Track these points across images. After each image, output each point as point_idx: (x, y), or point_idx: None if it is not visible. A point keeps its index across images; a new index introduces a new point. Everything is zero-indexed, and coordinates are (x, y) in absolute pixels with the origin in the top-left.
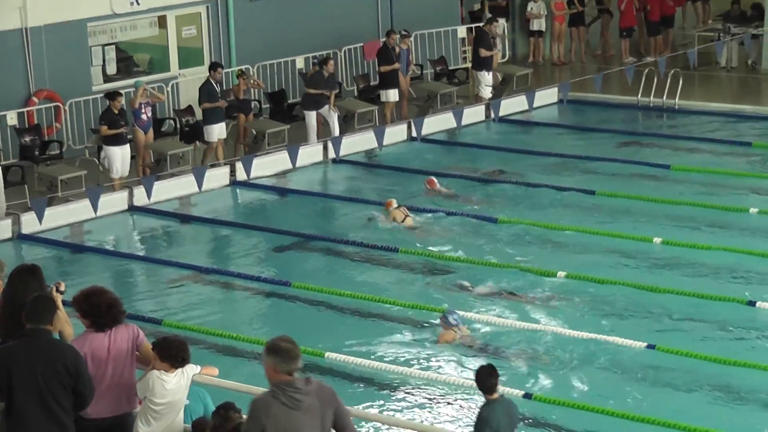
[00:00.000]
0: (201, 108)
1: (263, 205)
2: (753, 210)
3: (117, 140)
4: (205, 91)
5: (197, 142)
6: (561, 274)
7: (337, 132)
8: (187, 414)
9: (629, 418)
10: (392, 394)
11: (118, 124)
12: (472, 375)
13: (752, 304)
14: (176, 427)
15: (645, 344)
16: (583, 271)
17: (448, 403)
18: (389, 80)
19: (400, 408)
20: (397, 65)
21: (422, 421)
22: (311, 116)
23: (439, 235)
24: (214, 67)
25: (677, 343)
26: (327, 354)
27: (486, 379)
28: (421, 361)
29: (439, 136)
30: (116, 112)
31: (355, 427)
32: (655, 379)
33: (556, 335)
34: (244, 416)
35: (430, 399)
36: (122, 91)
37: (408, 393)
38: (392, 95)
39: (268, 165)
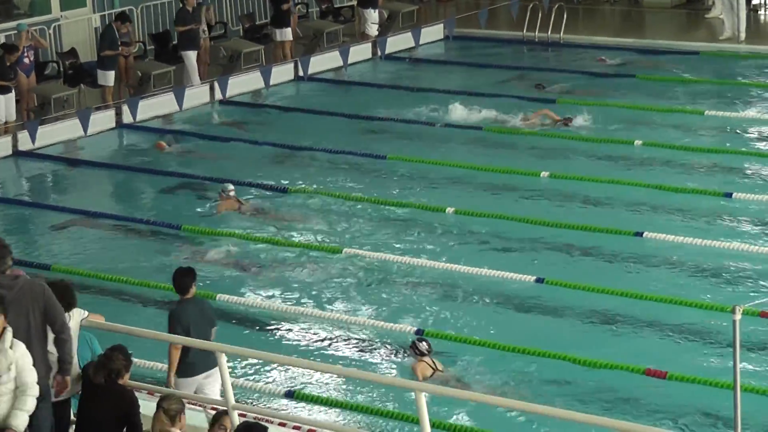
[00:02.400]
0: (100, 54)
1: (151, 147)
2: (638, 142)
3: (1, 90)
4: (108, 38)
5: (81, 85)
6: (450, 210)
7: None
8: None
9: (521, 352)
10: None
11: (7, 77)
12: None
13: (639, 235)
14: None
15: (534, 278)
16: (471, 206)
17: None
18: (282, 19)
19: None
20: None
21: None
22: (189, 56)
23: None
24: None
25: (566, 275)
26: (218, 295)
27: (181, 279)
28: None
29: (326, 75)
30: (8, 64)
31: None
32: (545, 312)
33: (447, 270)
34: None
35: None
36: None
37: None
38: (287, 34)
39: (154, 107)
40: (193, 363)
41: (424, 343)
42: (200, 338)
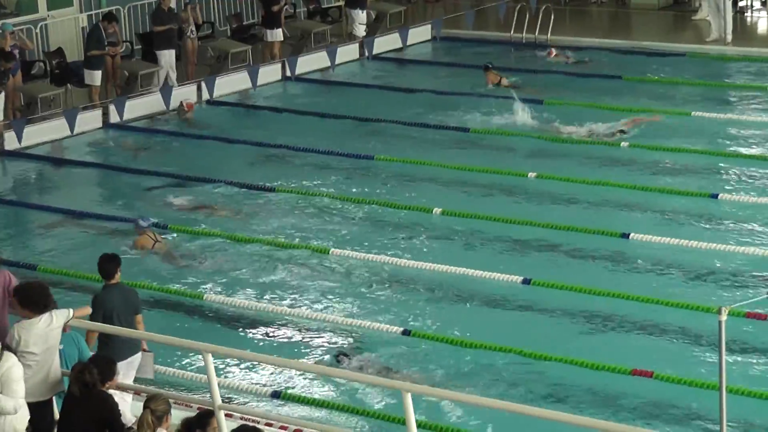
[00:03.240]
0: (87, 54)
1: (137, 147)
2: (624, 144)
3: None
4: (94, 38)
5: (68, 85)
6: (437, 210)
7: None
8: (63, 359)
9: (508, 352)
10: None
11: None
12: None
13: (626, 236)
14: (54, 374)
15: (521, 278)
16: (458, 207)
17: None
18: (273, 20)
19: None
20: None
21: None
22: (164, 55)
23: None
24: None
25: (553, 276)
26: (206, 296)
27: (105, 265)
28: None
29: (313, 75)
30: (2, 70)
31: None
32: (532, 313)
33: (434, 271)
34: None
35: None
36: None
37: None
38: (278, 35)
39: (141, 107)
40: (115, 348)
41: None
42: (123, 325)
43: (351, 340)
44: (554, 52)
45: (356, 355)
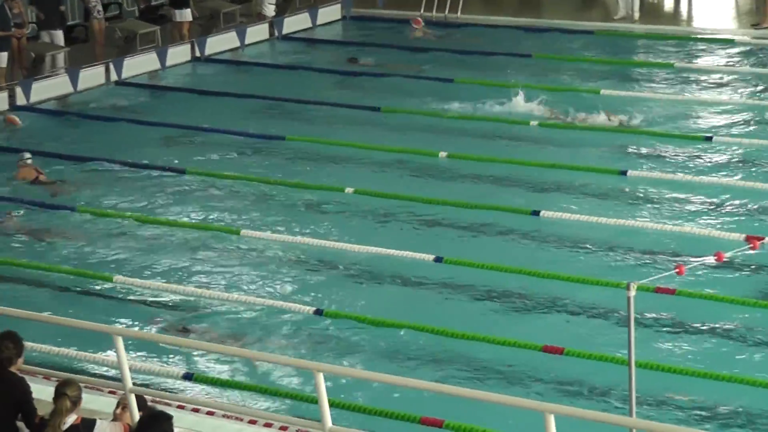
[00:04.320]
0: None
1: (45, 129)
2: (534, 123)
3: None
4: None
5: None
6: (349, 189)
7: None
8: None
9: (420, 330)
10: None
11: None
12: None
13: (536, 213)
14: None
15: (433, 257)
16: (370, 186)
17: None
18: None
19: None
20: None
21: None
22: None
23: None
24: None
25: (464, 254)
26: (116, 276)
27: None
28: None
29: (223, 55)
30: None
31: None
32: (444, 291)
33: (346, 251)
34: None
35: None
36: None
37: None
38: (187, 14)
39: (48, 88)
40: None
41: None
42: None
43: (263, 320)
44: (421, 23)
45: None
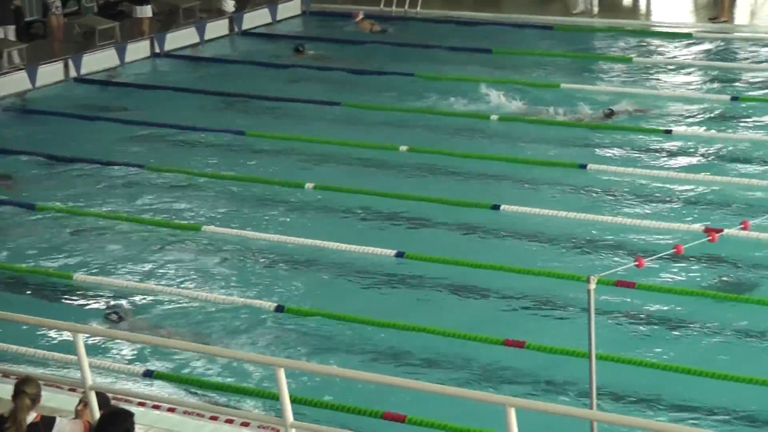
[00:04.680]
0: None
1: (2, 125)
2: (494, 117)
3: None
4: None
5: None
6: (309, 185)
7: None
8: None
9: (381, 325)
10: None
11: None
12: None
13: (496, 208)
14: None
15: (394, 252)
16: (331, 182)
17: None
18: None
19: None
20: None
21: None
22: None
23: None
24: None
25: (426, 249)
26: (75, 275)
27: None
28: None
29: (183, 51)
30: None
31: None
32: (405, 286)
33: (307, 246)
34: None
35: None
36: None
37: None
38: (147, 11)
39: (6, 85)
40: None
41: (114, 314)
42: None
43: (224, 316)
44: (359, 16)
45: (229, 336)
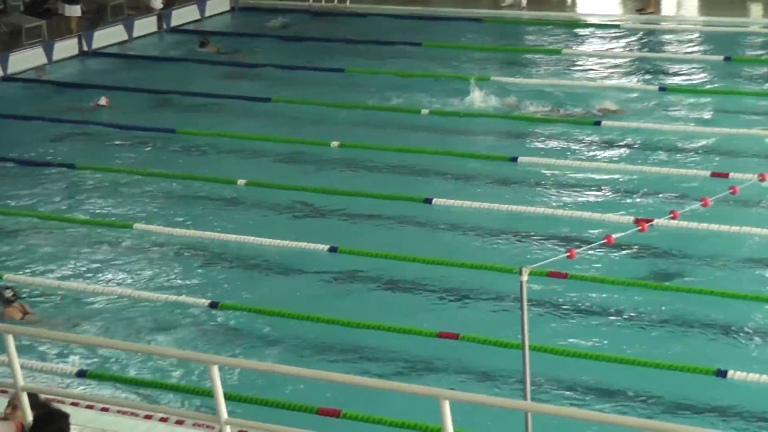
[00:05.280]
0: None
1: None
2: (425, 111)
3: None
4: None
5: None
6: (241, 182)
7: None
8: None
9: (315, 320)
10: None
11: None
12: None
13: (429, 201)
14: None
15: (327, 247)
16: (263, 178)
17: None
18: None
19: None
20: None
21: None
22: None
23: None
24: None
25: (359, 243)
26: (6, 275)
27: None
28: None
29: (111, 49)
30: None
31: None
32: (339, 281)
33: (240, 243)
34: None
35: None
36: None
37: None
38: (76, 10)
39: None
40: None
41: (9, 290)
42: None
43: (161, 315)
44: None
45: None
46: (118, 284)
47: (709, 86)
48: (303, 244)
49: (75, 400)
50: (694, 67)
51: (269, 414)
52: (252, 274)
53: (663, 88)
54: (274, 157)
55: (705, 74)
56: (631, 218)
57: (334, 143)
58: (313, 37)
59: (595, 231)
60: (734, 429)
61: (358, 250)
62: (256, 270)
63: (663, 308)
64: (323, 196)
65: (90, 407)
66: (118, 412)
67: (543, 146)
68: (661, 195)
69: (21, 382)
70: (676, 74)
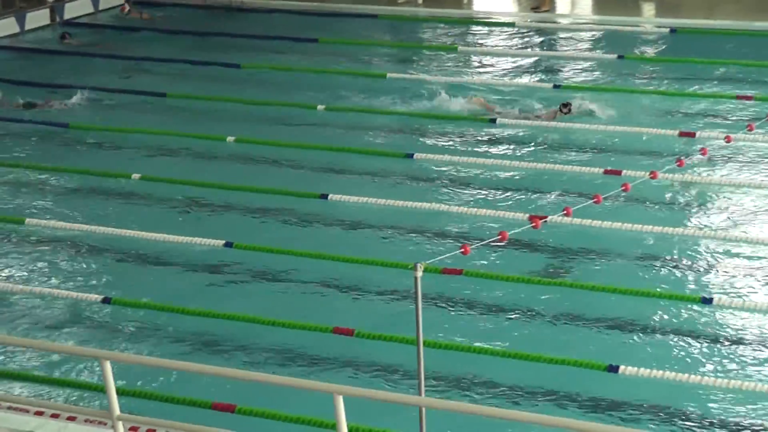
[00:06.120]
0: None
1: None
2: (321, 107)
3: None
4: None
5: None
6: (135, 176)
7: None
8: None
9: (205, 316)
10: None
11: None
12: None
13: (324, 197)
14: None
15: (223, 242)
16: (156, 172)
17: None
18: None
19: None
20: None
21: None
22: None
23: None
24: None
25: (255, 239)
26: None
27: None
28: None
29: (1, 42)
30: None
31: None
32: (234, 276)
33: (134, 238)
34: None
35: None
36: None
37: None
38: None
39: None
40: None
41: None
42: None
43: (54, 311)
44: (127, 8)
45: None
46: (8, 279)
47: (602, 84)
48: (198, 239)
49: None
50: (588, 66)
51: (163, 409)
52: (146, 269)
53: (557, 86)
54: (170, 152)
55: (599, 72)
56: (525, 215)
57: (230, 138)
58: (207, 31)
59: (490, 227)
60: (624, 422)
61: (254, 246)
62: (151, 265)
63: (556, 304)
64: (219, 192)
65: None
66: (9, 408)
67: (439, 143)
68: (555, 192)
69: None
70: (570, 72)
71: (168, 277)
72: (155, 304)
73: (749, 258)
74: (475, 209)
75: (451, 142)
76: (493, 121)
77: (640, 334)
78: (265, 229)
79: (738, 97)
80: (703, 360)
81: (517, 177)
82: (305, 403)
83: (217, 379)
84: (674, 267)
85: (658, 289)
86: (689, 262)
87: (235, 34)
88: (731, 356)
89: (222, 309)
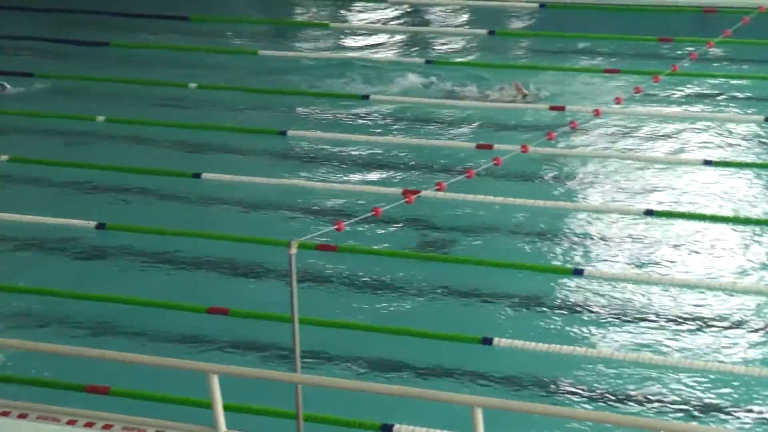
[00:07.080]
0: None
1: None
2: (192, 85)
3: None
4: None
5: None
6: (3, 157)
7: None
8: None
9: (86, 299)
10: None
11: None
12: None
13: (198, 176)
14: None
15: (95, 223)
16: (28, 154)
17: None
18: None
19: None
20: None
21: None
22: None
23: None
24: None
25: (128, 219)
26: None
27: None
28: None
29: None
30: None
31: None
32: (106, 257)
33: (5, 220)
34: None
35: None
36: None
37: None
38: None
39: None
40: None
41: None
42: None
43: None
44: None
45: None
46: None
47: (473, 59)
48: (70, 221)
49: None
50: (459, 41)
51: (40, 394)
52: (17, 253)
53: (429, 61)
54: (38, 133)
55: (470, 47)
56: (399, 190)
57: (100, 118)
58: (76, 9)
59: (364, 203)
60: (500, 394)
61: (127, 226)
62: (22, 249)
63: (430, 278)
64: (90, 172)
65: None
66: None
67: (312, 119)
68: (428, 167)
69: None
70: (442, 48)
71: (40, 260)
72: (28, 288)
73: (619, 228)
74: (350, 186)
75: (324, 119)
76: (366, 97)
77: (513, 307)
78: (138, 209)
79: (605, 71)
80: (576, 330)
81: (391, 153)
82: (179, 384)
83: (94, 362)
84: (546, 239)
85: (531, 262)
86: (561, 235)
87: (102, 11)
88: (601, 326)
89: (95, 291)
